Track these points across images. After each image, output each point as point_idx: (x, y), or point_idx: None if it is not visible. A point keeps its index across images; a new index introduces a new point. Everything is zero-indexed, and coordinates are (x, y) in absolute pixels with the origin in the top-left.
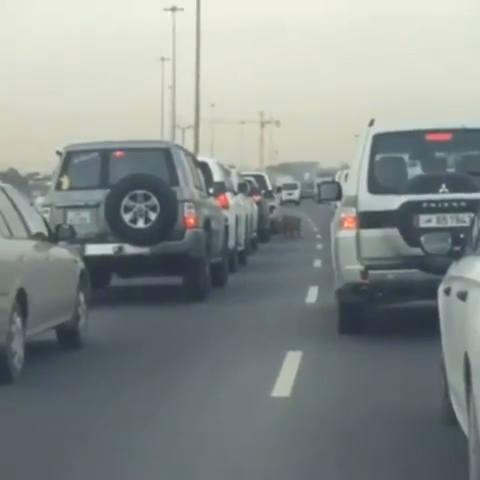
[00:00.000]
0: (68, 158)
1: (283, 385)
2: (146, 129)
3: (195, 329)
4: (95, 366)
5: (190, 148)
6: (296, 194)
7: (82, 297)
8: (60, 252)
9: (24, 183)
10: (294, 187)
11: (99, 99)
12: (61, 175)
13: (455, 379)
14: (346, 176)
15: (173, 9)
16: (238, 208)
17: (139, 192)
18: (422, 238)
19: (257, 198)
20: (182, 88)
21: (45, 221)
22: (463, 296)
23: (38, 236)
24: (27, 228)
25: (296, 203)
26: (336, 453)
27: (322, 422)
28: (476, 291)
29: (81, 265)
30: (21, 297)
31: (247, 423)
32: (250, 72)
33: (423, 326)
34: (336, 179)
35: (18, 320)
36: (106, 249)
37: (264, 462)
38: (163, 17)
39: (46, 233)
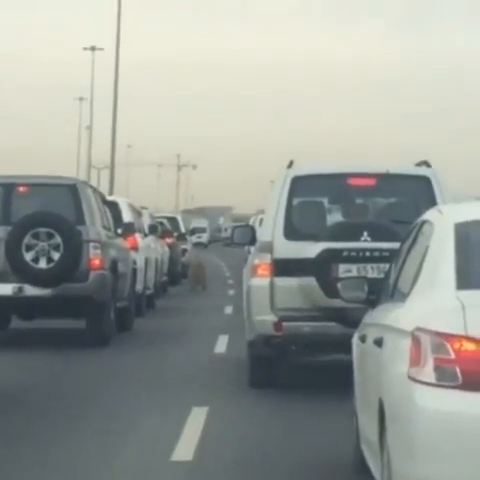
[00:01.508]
0: None
1: (185, 447)
2: (62, 168)
3: (94, 378)
4: None
5: (105, 189)
6: (205, 237)
7: None
8: None
9: None
10: (203, 231)
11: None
12: None
13: (367, 426)
14: (261, 221)
15: (92, 48)
16: (148, 250)
17: (42, 230)
18: (339, 285)
19: (169, 240)
20: (99, 128)
21: None
22: (379, 342)
23: None
24: None
25: (205, 246)
26: None
27: None
28: (392, 337)
29: None
30: None
31: None
32: (168, 115)
33: (335, 379)
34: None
35: None
36: (5, 289)
37: None
38: (82, 56)
39: None
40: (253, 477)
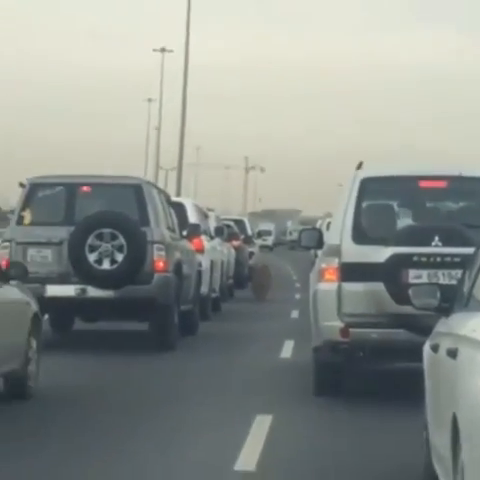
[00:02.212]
0: (32, 191)
1: (248, 456)
2: (130, 170)
3: (157, 383)
4: (41, 421)
5: (173, 190)
6: (270, 240)
7: (34, 343)
8: (10, 292)
9: (5, 219)
10: (269, 233)
11: (84, 137)
12: (23, 209)
13: (439, 441)
14: (328, 224)
15: (162, 50)
16: (214, 252)
17: (106, 231)
18: (410, 291)
19: (236, 243)
20: (167, 130)
21: None
22: (453, 354)
23: None
24: None
25: (270, 249)
26: None
27: None
28: (468, 348)
29: (34, 308)
30: None
31: None
32: (237, 116)
33: (405, 387)
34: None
35: None
36: (68, 291)
37: None
38: (152, 58)
39: None
40: None
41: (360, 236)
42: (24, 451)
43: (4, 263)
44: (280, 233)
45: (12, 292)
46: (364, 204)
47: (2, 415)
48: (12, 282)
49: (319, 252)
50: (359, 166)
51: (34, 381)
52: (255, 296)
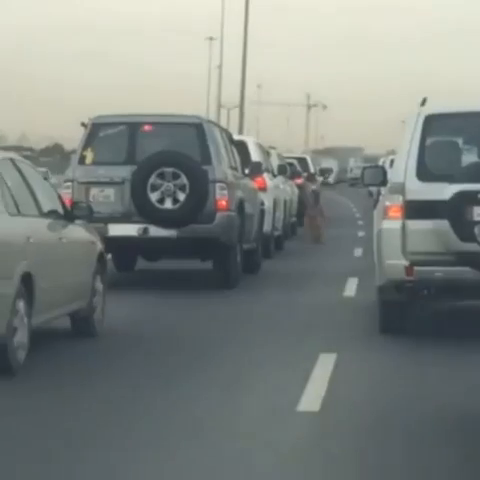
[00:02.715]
0: (93, 130)
1: (312, 397)
2: (191, 108)
3: (220, 322)
4: (108, 357)
5: (234, 129)
6: (331, 178)
7: (99, 282)
8: (76, 232)
9: (68, 158)
10: (330, 171)
11: (145, 75)
12: (85, 148)
13: None
14: (391, 162)
15: None
16: (276, 191)
17: (167, 170)
18: (476, 229)
19: (299, 181)
20: (229, 68)
21: (60, 198)
22: None
23: (51, 214)
24: (38, 205)
25: (331, 186)
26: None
27: (358, 446)
28: None
29: (100, 247)
30: (27, 282)
31: (265, 443)
32: (298, 54)
33: (471, 326)
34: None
35: (22, 307)
36: (130, 230)
37: None
38: None
39: (61, 211)
40: (382, 429)
41: (424, 173)
42: (92, 387)
43: (67, 203)
44: (341, 171)
45: (78, 231)
46: (428, 141)
47: (70, 352)
48: (77, 221)
49: (372, 189)
50: (423, 102)
51: (100, 319)
52: (304, 238)
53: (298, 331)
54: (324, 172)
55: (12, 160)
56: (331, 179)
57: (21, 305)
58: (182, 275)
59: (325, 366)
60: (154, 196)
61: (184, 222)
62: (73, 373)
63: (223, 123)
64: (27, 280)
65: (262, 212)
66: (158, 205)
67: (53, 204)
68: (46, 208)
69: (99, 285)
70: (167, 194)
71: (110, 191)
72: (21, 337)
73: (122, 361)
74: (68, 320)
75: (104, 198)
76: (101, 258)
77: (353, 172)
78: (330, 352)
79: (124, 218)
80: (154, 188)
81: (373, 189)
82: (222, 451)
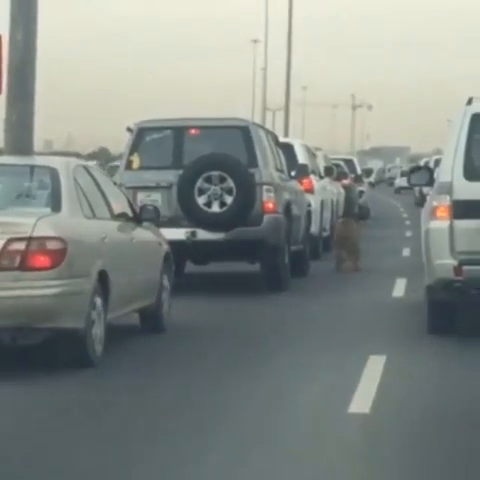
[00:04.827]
0: (139, 135)
1: (363, 398)
2: (236, 111)
3: (269, 325)
4: (177, 352)
5: (280, 131)
6: (372, 178)
7: (166, 280)
8: (144, 234)
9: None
10: (371, 172)
11: (191, 80)
12: (131, 153)
13: None
14: (436, 161)
15: None
16: (323, 192)
17: (214, 173)
18: None
19: (346, 182)
20: (274, 70)
21: (129, 201)
22: None
23: (121, 217)
24: (110, 208)
25: (372, 186)
26: None
27: (408, 447)
28: None
29: (166, 248)
30: (103, 279)
31: (316, 444)
32: (342, 55)
33: None
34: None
35: (99, 303)
36: (178, 234)
37: None
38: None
39: (130, 214)
40: (432, 431)
41: (472, 172)
42: (167, 378)
43: None
44: (380, 170)
45: (146, 233)
46: (475, 140)
47: (140, 347)
48: (145, 224)
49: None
50: (469, 102)
51: (167, 316)
52: (337, 264)
53: (348, 333)
54: (366, 173)
55: (85, 167)
56: (372, 179)
57: (98, 301)
58: (231, 278)
59: (375, 368)
60: (201, 200)
61: (231, 225)
62: (148, 366)
63: (268, 125)
64: (103, 277)
65: (309, 213)
66: (205, 209)
67: (123, 207)
68: (117, 211)
69: (166, 283)
70: (214, 197)
71: (157, 195)
72: (99, 331)
73: (191, 354)
74: (135, 317)
75: (151, 203)
76: (167, 258)
77: (391, 172)
78: (380, 354)
79: (172, 222)
80: (201, 192)
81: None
82: (275, 452)
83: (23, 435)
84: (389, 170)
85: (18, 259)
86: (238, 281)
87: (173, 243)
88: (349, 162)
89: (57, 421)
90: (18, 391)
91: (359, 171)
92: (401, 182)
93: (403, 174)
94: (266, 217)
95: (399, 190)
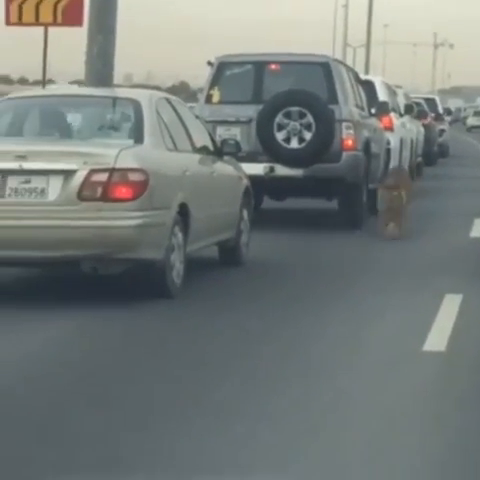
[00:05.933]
0: (220, 70)
1: (438, 336)
2: (317, 47)
3: (345, 260)
4: (255, 285)
5: (360, 68)
6: (449, 118)
7: (245, 214)
8: (225, 168)
9: (194, 96)
10: (451, 111)
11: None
12: (211, 87)
13: None
14: None
15: None
16: (403, 130)
17: (294, 109)
18: None
19: (426, 121)
20: (355, 7)
21: (210, 135)
22: None
23: (203, 150)
24: (192, 141)
25: (449, 124)
26: None
27: None
28: None
29: (246, 182)
30: (183, 212)
31: (390, 382)
32: None
33: None
34: None
35: (179, 235)
36: (256, 169)
37: (407, 436)
38: None
39: (211, 147)
40: None
41: None
42: (235, 309)
43: None
44: (457, 110)
45: (226, 167)
46: None
47: (219, 279)
48: (225, 158)
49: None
50: None
51: (245, 250)
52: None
53: (424, 272)
54: (447, 111)
55: (167, 99)
56: (449, 119)
57: (178, 233)
58: (308, 214)
59: (451, 306)
60: (280, 135)
61: (310, 161)
62: (226, 297)
63: (349, 62)
64: (183, 210)
65: (388, 151)
66: (284, 144)
67: (204, 141)
68: (198, 144)
69: (246, 217)
70: (293, 133)
71: (236, 130)
72: (178, 263)
73: (269, 287)
74: (215, 250)
75: (230, 137)
76: (247, 192)
77: (466, 111)
78: (456, 293)
79: (250, 157)
80: (280, 127)
81: None
82: (348, 385)
83: (95, 361)
84: (464, 109)
85: (100, 190)
86: (315, 218)
87: (251, 178)
88: (431, 101)
89: (132, 348)
90: (96, 319)
91: (440, 110)
92: (473, 121)
93: (476, 113)
94: (345, 154)
95: (471, 129)
